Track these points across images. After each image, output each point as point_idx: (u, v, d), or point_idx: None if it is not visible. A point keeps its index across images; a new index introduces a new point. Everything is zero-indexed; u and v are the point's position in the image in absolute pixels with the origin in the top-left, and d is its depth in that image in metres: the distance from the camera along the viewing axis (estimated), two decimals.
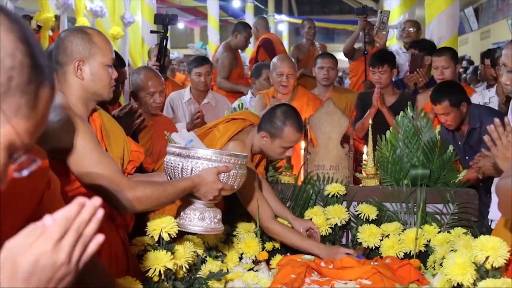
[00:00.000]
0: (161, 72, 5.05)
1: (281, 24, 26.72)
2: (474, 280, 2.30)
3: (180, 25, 27.21)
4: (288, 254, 3.30)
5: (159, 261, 2.40)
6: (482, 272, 2.30)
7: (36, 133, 1.10)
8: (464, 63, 12.68)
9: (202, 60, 5.53)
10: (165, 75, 5.47)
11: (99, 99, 2.58)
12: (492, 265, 2.25)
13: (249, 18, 21.51)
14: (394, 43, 10.38)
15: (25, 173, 1.11)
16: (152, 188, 2.43)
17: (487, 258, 2.26)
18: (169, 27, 5.70)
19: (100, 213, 1.06)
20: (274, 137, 3.18)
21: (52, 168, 1.97)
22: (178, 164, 2.60)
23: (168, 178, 2.69)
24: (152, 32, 6.64)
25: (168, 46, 5.79)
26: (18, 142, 1.07)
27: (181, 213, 2.67)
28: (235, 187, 2.69)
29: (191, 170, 2.57)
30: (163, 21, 5.70)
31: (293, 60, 5.18)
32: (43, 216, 1.82)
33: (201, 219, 2.65)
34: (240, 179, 2.68)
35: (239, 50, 7.75)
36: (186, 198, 2.66)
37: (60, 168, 2.31)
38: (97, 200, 1.06)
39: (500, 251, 2.24)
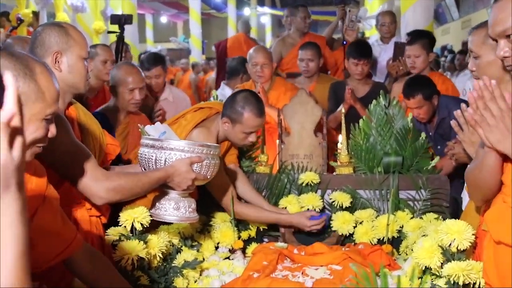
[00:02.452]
0: None
1: (263, 17, 26.72)
2: (442, 263, 2.34)
3: (163, 19, 27.20)
4: (265, 241, 3.35)
5: (131, 251, 2.45)
6: (448, 255, 2.35)
7: None
8: (446, 53, 12.75)
9: (151, 62, 5.27)
10: None
11: (75, 92, 2.63)
12: (457, 248, 2.30)
13: (232, 11, 21.50)
14: (374, 34, 10.43)
15: None
16: (126, 179, 2.49)
17: (452, 241, 2.31)
18: (125, 26, 5.72)
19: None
20: (234, 123, 3.22)
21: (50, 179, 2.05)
22: (152, 156, 2.65)
23: (142, 169, 2.74)
24: (109, 32, 6.68)
25: (152, 39, 5.76)
26: None
27: (156, 203, 2.73)
28: (208, 177, 2.74)
29: (165, 161, 2.63)
30: (119, 21, 5.76)
31: (268, 50, 5.20)
32: (36, 227, 1.90)
33: (176, 208, 2.71)
34: (213, 168, 2.73)
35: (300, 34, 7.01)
36: (161, 189, 2.71)
37: (55, 178, 2.39)
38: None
39: (465, 234, 2.30)
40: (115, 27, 5.82)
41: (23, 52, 1.87)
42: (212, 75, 13.03)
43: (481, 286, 2.20)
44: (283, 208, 3.40)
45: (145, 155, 2.69)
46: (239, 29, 9.49)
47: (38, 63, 1.84)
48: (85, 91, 2.70)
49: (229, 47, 9.03)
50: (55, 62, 2.51)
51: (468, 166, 2.30)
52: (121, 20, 5.77)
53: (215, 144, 2.79)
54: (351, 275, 2.50)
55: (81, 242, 2.14)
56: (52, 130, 1.87)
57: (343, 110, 3.70)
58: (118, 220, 2.62)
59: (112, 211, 2.78)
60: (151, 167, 2.66)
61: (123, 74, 4.09)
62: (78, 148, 2.44)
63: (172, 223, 2.99)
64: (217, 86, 7.53)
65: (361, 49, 5.10)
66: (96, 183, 2.41)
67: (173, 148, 2.65)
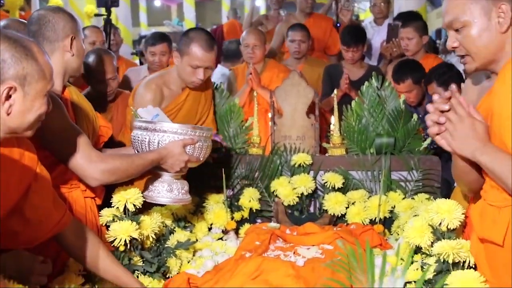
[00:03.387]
0: None
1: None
2: (432, 242, 2.36)
3: (157, 2, 27.02)
4: (258, 222, 3.37)
5: (124, 231, 2.46)
6: (438, 234, 2.37)
7: None
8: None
9: (158, 38, 5.23)
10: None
11: (75, 74, 2.72)
12: (447, 227, 2.31)
13: None
14: (368, 16, 10.42)
15: None
16: (121, 160, 2.53)
17: (443, 220, 2.32)
18: (113, 9, 5.68)
19: None
20: (183, 55, 3.31)
21: (43, 160, 2.09)
22: (145, 138, 2.68)
23: (136, 152, 2.77)
24: (96, 15, 6.64)
25: (146, 23, 5.70)
26: None
27: (150, 186, 2.77)
28: (201, 159, 2.78)
29: (158, 143, 2.66)
30: (105, 4, 5.71)
31: (260, 32, 5.20)
32: (29, 205, 1.94)
33: (169, 190, 2.76)
34: (206, 150, 2.77)
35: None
36: (154, 171, 2.74)
37: (51, 159, 2.43)
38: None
39: (455, 213, 2.31)
40: (103, 10, 5.78)
41: (15, 33, 1.89)
42: None
43: (470, 265, 2.22)
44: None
45: (138, 137, 2.72)
46: (229, 16, 9.72)
47: (32, 42, 1.88)
48: (80, 73, 2.73)
49: (226, 32, 9.43)
50: (71, 47, 2.58)
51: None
52: (107, 3, 5.74)
53: (208, 127, 2.83)
54: (339, 251, 2.52)
55: (70, 218, 2.18)
56: (49, 104, 1.92)
57: (335, 93, 3.70)
58: (112, 201, 2.64)
59: (106, 193, 2.80)
60: (144, 149, 2.69)
61: (92, 64, 4.00)
62: (73, 130, 2.47)
63: (165, 205, 3.02)
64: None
65: (351, 36, 5.09)
66: (90, 164, 2.44)
67: (166, 130, 2.69)
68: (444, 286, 2.09)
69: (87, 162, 2.44)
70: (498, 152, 1.91)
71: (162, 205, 2.97)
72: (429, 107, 1.97)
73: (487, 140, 1.93)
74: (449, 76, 4.07)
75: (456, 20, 2.02)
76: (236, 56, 6.37)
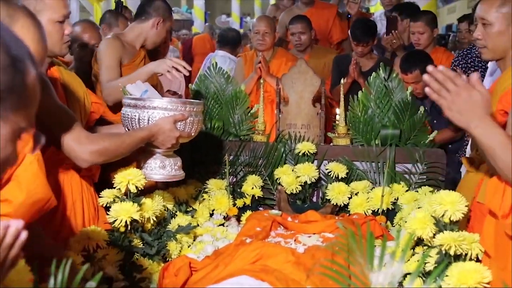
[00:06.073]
0: None
1: None
2: (434, 234, 2.34)
3: None
4: (260, 209, 3.36)
5: (125, 212, 2.45)
6: (441, 226, 2.35)
7: (33, 113, 1.11)
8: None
9: None
10: None
11: (51, 55, 2.59)
12: (450, 219, 2.30)
13: None
14: (379, 10, 10.34)
15: (34, 152, 1.16)
16: (110, 141, 2.50)
17: (445, 212, 2.30)
18: None
19: (23, 235, 1.07)
20: (165, 20, 3.78)
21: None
22: (135, 115, 2.68)
23: (126, 130, 2.76)
24: None
25: None
26: (19, 130, 1.08)
27: (142, 163, 2.77)
28: (192, 134, 2.79)
29: (148, 120, 2.66)
30: None
31: (270, 19, 5.18)
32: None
33: (162, 167, 2.77)
34: (197, 125, 2.78)
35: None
36: (147, 148, 2.74)
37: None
38: (19, 223, 1.06)
39: (458, 205, 2.29)
40: None
41: (19, 4, 1.84)
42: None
43: (472, 257, 2.19)
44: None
45: (128, 114, 2.71)
46: (204, 30, 11.15)
47: (27, 17, 1.80)
48: (62, 54, 2.64)
49: (194, 43, 10.05)
50: None
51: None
52: None
53: (199, 101, 2.84)
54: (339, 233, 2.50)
55: (55, 202, 2.13)
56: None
57: (342, 81, 3.67)
58: (111, 181, 2.63)
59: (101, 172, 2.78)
60: (135, 127, 2.69)
61: (78, 32, 4.10)
62: (61, 111, 2.42)
63: (166, 188, 3.01)
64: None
65: (360, 32, 5.05)
66: (80, 146, 2.40)
67: (156, 106, 2.68)
68: (444, 277, 2.07)
69: (76, 143, 2.39)
70: (492, 127, 1.94)
71: (157, 183, 2.99)
72: (429, 70, 1.98)
73: (485, 114, 1.95)
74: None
75: (483, 17, 2.40)
76: (234, 43, 6.54)
